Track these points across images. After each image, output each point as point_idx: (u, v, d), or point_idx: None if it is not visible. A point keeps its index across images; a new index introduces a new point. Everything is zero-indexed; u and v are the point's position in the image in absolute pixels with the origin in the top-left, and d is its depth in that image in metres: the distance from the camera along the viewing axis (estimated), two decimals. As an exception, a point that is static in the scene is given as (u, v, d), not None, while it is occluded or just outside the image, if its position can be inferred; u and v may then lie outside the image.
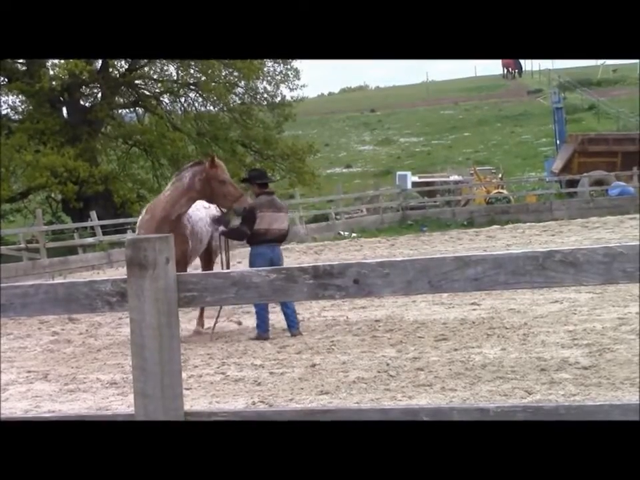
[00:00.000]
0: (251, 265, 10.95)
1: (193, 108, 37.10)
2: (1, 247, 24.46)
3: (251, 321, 12.06)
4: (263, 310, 10.98)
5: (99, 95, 35.80)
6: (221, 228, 11.88)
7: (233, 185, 11.54)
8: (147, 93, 36.97)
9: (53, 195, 34.60)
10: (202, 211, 11.98)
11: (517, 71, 74.78)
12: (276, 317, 12.07)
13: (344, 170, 53.30)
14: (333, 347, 9.90)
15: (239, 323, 12.23)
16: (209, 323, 11.76)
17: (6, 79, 33.38)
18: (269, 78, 37.03)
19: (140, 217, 12.00)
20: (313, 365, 8.88)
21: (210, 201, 11.66)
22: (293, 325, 11.14)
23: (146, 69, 36.35)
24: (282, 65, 36.56)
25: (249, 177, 12.02)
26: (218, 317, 11.55)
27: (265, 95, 37.19)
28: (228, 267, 11.53)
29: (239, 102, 36.90)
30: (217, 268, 12.21)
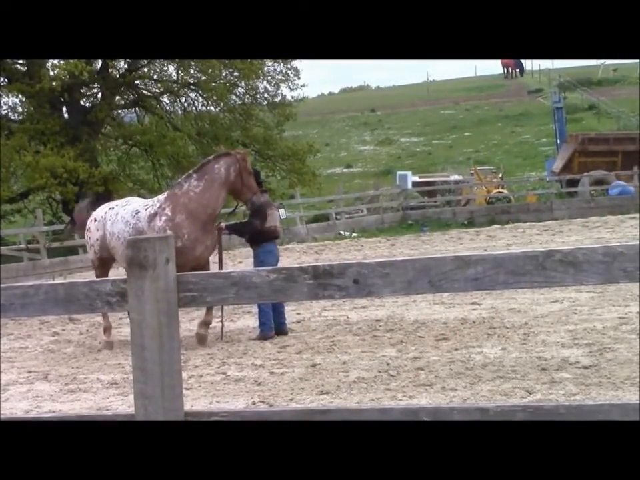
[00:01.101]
0: (262, 263, 10.82)
1: (193, 108, 37.08)
2: (1, 247, 24.45)
3: (250, 321, 12.06)
4: (268, 308, 10.96)
5: (99, 95, 35.80)
6: (224, 223, 11.87)
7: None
8: (147, 93, 36.96)
9: (52, 196, 34.60)
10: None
11: (517, 70, 74.80)
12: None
13: (344, 170, 53.33)
14: (333, 346, 9.90)
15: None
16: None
17: (6, 80, 33.37)
18: (269, 78, 37.03)
19: (162, 219, 11.08)
20: (314, 365, 8.88)
21: (235, 192, 11.57)
22: (284, 322, 11.22)
23: (145, 69, 36.35)
24: (282, 64, 36.54)
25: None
26: (222, 318, 11.41)
27: (266, 95, 37.19)
28: (222, 266, 11.45)
29: (239, 102, 36.89)
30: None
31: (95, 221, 11.72)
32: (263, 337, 10.90)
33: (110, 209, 11.71)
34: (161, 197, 11.69)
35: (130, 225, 11.29)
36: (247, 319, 12.27)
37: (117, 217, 11.46)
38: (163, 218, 11.17)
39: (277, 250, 11.61)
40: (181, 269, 2.95)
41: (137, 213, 11.36)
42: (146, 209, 11.38)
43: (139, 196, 34.80)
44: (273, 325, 11.06)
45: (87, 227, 11.83)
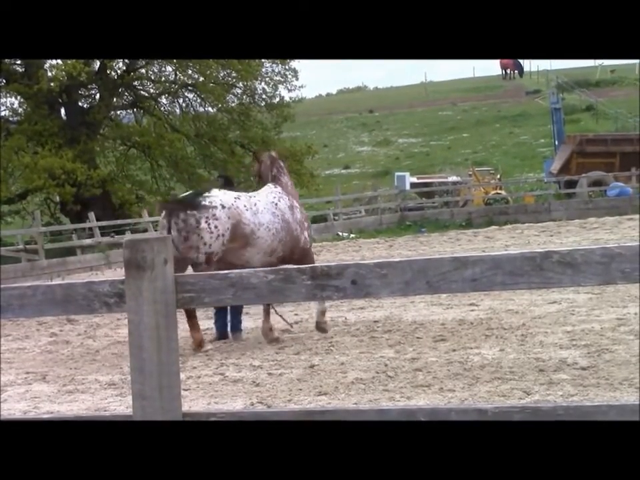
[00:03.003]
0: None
1: (191, 109, 37.11)
2: (0, 248, 24.44)
3: (249, 322, 12.06)
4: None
5: (97, 96, 35.81)
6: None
7: None
8: (145, 94, 36.99)
9: (51, 197, 34.60)
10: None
11: (516, 71, 74.81)
12: (274, 318, 12.06)
13: (342, 171, 53.37)
14: (331, 347, 9.90)
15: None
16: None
17: (4, 81, 33.37)
18: (267, 79, 37.06)
19: (298, 212, 11.27)
20: (312, 366, 8.87)
21: None
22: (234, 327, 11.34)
23: (143, 70, 36.37)
24: (280, 65, 36.58)
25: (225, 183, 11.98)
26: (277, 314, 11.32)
27: (264, 96, 37.22)
28: None
29: (237, 103, 36.92)
30: None
31: (224, 207, 10.46)
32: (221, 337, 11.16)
33: (237, 198, 10.80)
34: (275, 188, 11.29)
35: (277, 216, 10.88)
36: (245, 320, 12.26)
37: (260, 207, 10.80)
38: (298, 210, 11.23)
39: None
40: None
41: (276, 205, 10.98)
42: (279, 200, 11.11)
43: (137, 197, 35.05)
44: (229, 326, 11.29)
45: (208, 215, 10.37)
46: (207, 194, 10.69)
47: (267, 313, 10.89)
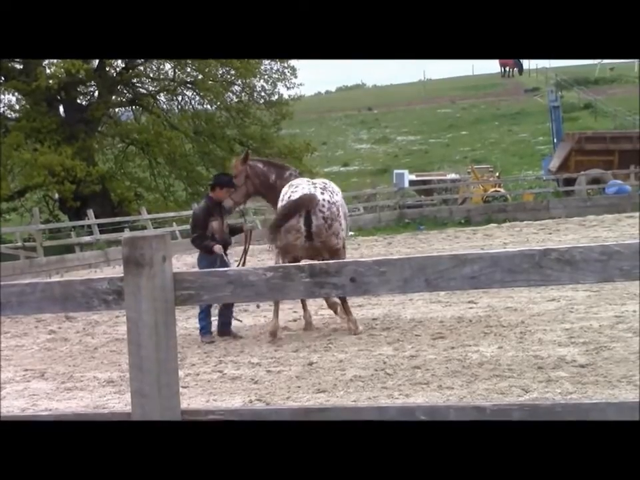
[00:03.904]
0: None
1: (190, 106, 37.11)
2: (-1, 245, 24.44)
3: (247, 319, 12.06)
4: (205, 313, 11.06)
5: (96, 93, 35.79)
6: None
7: None
8: (144, 92, 36.97)
9: (50, 194, 34.60)
10: None
11: (516, 69, 74.81)
12: (272, 316, 12.06)
13: (341, 168, 53.40)
14: (329, 345, 9.90)
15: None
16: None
17: (3, 78, 33.34)
18: (265, 76, 37.06)
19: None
20: (310, 364, 8.88)
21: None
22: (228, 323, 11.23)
23: (142, 67, 36.35)
24: (279, 63, 36.58)
25: (228, 182, 11.61)
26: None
27: (262, 94, 37.23)
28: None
29: (236, 100, 36.93)
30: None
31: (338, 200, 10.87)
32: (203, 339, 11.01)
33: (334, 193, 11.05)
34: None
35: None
36: (244, 318, 12.27)
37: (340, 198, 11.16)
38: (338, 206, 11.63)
39: None
40: None
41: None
42: None
43: (136, 194, 35.05)
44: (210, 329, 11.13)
45: (339, 204, 10.72)
46: (323, 183, 10.95)
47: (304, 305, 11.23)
